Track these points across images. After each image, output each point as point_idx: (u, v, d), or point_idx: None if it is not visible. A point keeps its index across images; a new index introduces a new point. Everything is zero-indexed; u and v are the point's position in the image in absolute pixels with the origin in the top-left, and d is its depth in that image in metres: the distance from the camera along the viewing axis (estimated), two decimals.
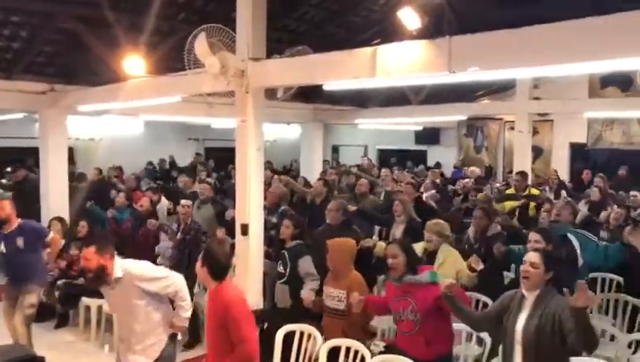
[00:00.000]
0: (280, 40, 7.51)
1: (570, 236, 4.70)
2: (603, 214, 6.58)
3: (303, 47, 4.93)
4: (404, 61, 3.57)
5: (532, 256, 3.08)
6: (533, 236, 4.30)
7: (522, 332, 3.01)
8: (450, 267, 4.53)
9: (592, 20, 2.82)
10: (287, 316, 4.36)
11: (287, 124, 13.06)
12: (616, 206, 6.76)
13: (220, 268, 3.26)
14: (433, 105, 9.88)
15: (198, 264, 3.30)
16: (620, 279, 5.27)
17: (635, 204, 6.94)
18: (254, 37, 4.56)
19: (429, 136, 14.62)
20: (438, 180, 9.44)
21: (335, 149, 17.14)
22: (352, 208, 6.34)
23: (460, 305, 3.33)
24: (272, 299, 4.83)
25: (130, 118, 11.18)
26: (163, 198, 7.94)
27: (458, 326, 3.79)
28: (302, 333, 4.04)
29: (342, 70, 3.96)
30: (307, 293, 4.47)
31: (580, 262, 4.57)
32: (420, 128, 14.20)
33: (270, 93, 5.14)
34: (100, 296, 3.93)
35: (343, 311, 4.14)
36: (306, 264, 4.62)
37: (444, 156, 14.25)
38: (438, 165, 13.41)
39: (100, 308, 5.68)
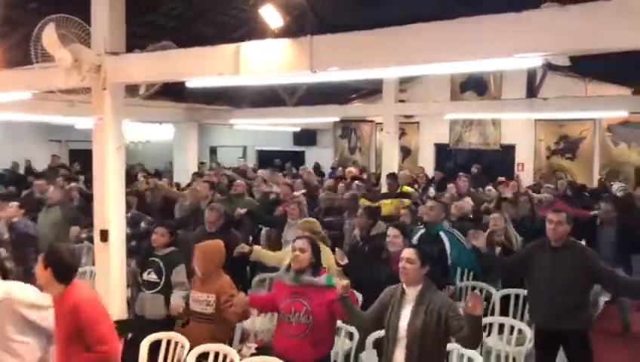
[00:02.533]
0: (146, 36, 7.16)
1: (443, 235, 4.96)
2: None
3: (167, 42, 4.73)
4: (267, 59, 3.56)
5: (407, 253, 3.19)
6: (391, 231, 4.50)
7: (407, 328, 3.08)
8: (323, 263, 4.59)
9: (446, 24, 2.98)
10: (157, 326, 4.15)
11: (159, 123, 12.53)
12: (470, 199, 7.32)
13: (66, 269, 2.99)
14: (307, 107, 10.06)
15: (40, 266, 2.99)
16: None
17: (489, 197, 7.58)
18: (112, 30, 4.30)
19: (307, 137, 14.86)
20: (311, 181, 9.58)
21: (213, 150, 16.81)
22: (242, 211, 6.27)
23: (352, 306, 3.36)
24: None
25: None
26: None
27: None
28: (168, 342, 3.88)
29: (205, 66, 3.86)
30: (178, 300, 4.28)
31: (449, 261, 4.85)
32: (297, 130, 14.38)
33: (132, 90, 4.88)
34: None
35: (210, 316, 4.00)
36: (180, 273, 4.43)
37: (321, 157, 14.57)
38: (317, 166, 13.66)
39: None
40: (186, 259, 4.55)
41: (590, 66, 7.88)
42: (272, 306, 3.84)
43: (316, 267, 3.63)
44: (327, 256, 4.70)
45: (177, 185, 9.69)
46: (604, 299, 6.20)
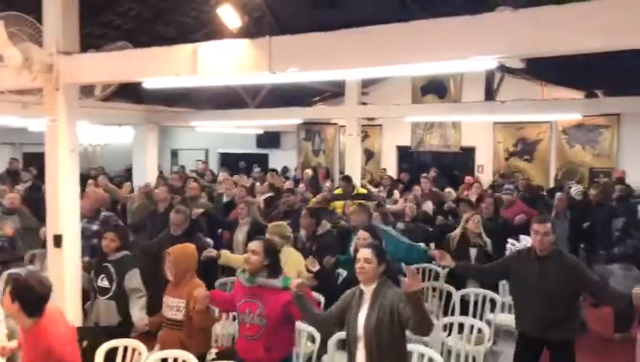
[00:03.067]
0: (104, 37, 7.00)
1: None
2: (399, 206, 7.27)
3: (123, 42, 4.65)
4: (225, 60, 3.53)
5: (364, 253, 3.20)
6: (362, 234, 4.50)
7: (364, 327, 3.09)
8: (292, 268, 4.52)
9: (404, 26, 3.02)
10: (111, 332, 4.03)
11: (118, 126, 12.25)
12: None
13: (36, 302, 2.80)
14: (269, 109, 10.01)
15: (7, 300, 2.81)
16: (439, 269, 5.75)
17: (449, 198, 7.73)
18: (64, 29, 4.19)
19: (270, 140, 14.78)
20: (277, 183, 9.53)
21: (174, 153, 16.56)
22: (199, 211, 6.21)
23: (308, 306, 3.34)
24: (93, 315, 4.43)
25: None
26: None
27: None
28: (126, 348, 3.78)
29: (162, 67, 3.79)
30: (139, 316, 4.19)
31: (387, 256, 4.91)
32: (261, 132, 14.28)
33: (88, 91, 4.77)
34: None
35: (180, 322, 3.89)
36: (133, 278, 4.31)
37: (285, 160, 14.52)
38: (285, 169, 13.62)
39: None
40: (143, 262, 4.46)
41: (543, 69, 8.06)
42: (232, 305, 3.79)
43: (274, 269, 3.58)
44: (299, 261, 4.69)
45: None
46: None
